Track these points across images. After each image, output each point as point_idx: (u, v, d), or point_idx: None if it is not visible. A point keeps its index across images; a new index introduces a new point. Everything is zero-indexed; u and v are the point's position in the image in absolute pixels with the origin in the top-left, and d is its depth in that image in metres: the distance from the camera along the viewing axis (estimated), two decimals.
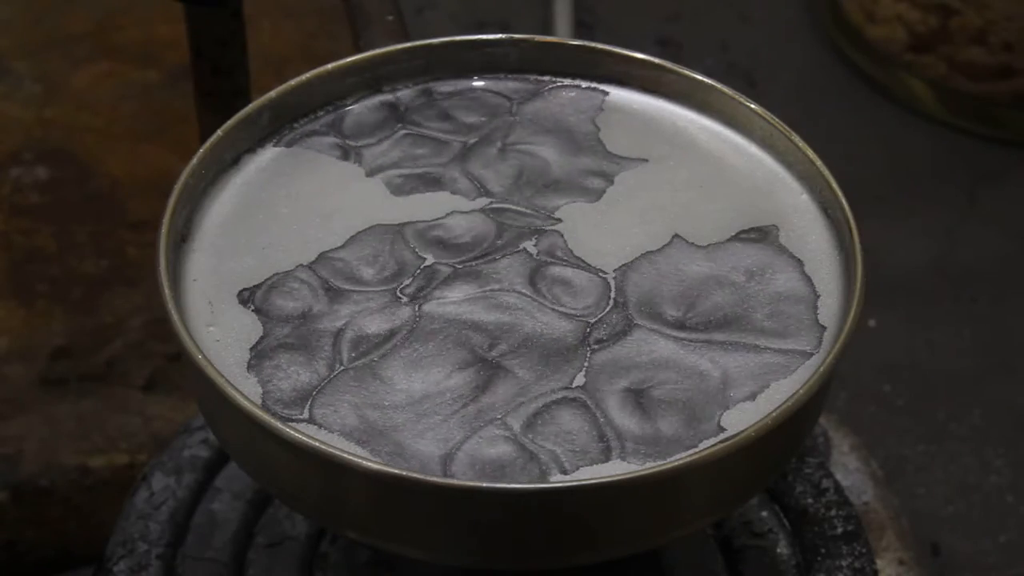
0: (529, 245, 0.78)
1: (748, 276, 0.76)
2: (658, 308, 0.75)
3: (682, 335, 0.73)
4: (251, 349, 0.72)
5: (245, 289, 0.75)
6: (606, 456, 0.68)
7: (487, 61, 0.86)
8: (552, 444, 0.69)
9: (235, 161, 0.81)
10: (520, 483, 0.67)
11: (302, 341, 0.73)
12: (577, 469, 0.68)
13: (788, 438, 0.72)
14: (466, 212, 0.79)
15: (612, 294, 0.75)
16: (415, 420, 0.70)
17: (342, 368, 0.72)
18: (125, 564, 0.89)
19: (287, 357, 0.72)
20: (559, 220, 0.79)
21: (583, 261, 0.77)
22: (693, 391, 0.71)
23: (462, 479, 0.67)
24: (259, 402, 0.70)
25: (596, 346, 0.73)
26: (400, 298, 0.75)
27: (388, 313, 0.74)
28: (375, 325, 0.73)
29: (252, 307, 0.74)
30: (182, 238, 0.77)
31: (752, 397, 0.71)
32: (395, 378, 0.71)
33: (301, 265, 0.76)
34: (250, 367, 0.72)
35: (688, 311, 0.75)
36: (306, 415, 0.70)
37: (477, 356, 0.72)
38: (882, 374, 1.64)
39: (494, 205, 0.80)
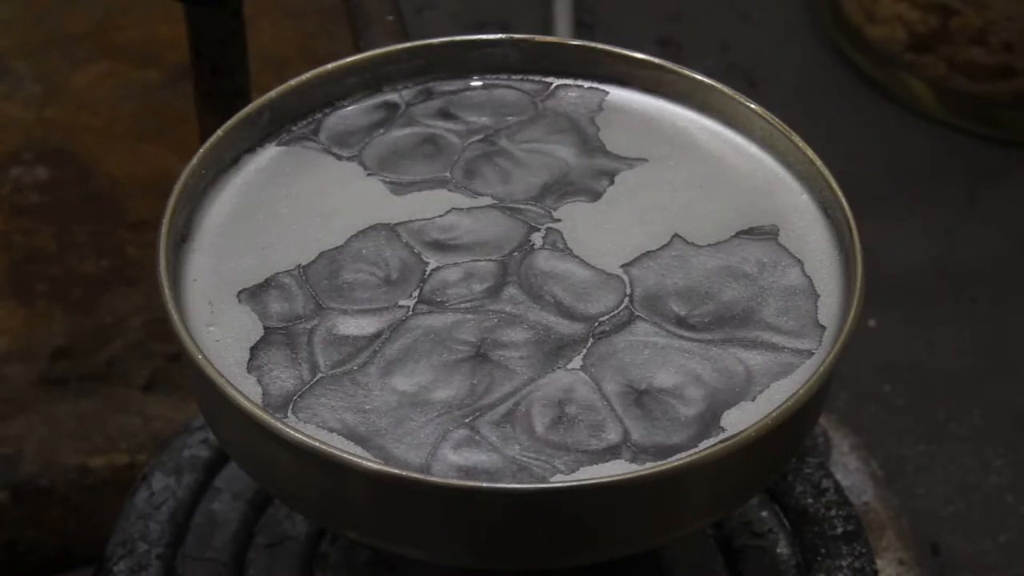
0: (536, 240, 0.78)
1: (760, 268, 0.76)
2: (667, 305, 0.74)
3: (691, 334, 0.73)
4: (251, 349, 0.72)
5: (245, 289, 0.75)
6: (605, 455, 0.68)
7: (487, 61, 0.86)
8: (548, 453, 0.69)
9: (235, 161, 0.81)
10: (520, 483, 0.67)
11: (294, 341, 0.73)
12: (576, 469, 0.68)
13: (788, 438, 0.72)
14: (465, 209, 0.79)
15: (628, 290, 0.75)
16: (395, 425, 0.69)
17: (329, 371, 0.71)
18: (125, 564, 0.89)
19: (277, 358, 0.72)
20: (559, 220, 0.79)
21: (583, 260, 0.77)
22: (707, 390, 0.71)
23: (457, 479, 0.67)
24: (259, 402, 0.70)
25: (599, 338, 0.73)
26: (397, 298, 0.75)
27: (383, 313, 0.74)
28: (368, 326, 0.73)
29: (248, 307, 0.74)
30: (182, 238, 0.77)
31: (753, 397, 0.71)
32: (387, 380, 0.71)
33: (299, 265, 0.76)
34: (250, 367, 0.71)
35: (697, 307, 0.74)
36: (291, 419, 0.70)
37: (474, 356, 0.72)
38: (882, 374, 1.64)
39: (495, 204, 0.80)
